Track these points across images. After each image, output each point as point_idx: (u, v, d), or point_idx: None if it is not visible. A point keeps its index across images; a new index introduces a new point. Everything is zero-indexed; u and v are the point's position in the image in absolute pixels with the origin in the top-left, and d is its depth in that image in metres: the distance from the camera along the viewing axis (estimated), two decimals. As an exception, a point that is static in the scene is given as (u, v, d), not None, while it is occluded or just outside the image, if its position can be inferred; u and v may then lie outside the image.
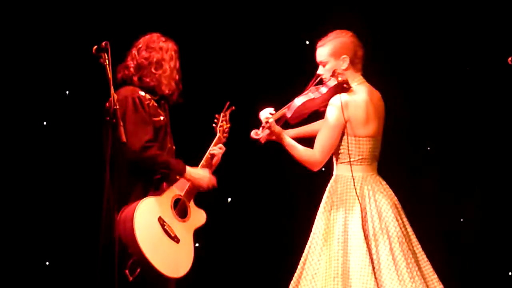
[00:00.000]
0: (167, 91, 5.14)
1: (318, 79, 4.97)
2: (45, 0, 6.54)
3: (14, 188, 6.56)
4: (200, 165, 5.15)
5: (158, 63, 5.11)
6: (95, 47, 4.44)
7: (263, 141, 5.01)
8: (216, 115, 5.29)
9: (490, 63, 6.45)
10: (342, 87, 4.86)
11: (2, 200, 6.52)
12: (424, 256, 4.88)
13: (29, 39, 6.55)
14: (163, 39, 5.18)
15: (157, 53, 5.12)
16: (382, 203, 4.84)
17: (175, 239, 5.01)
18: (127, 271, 4.83)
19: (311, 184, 6.78)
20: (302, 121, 5.12)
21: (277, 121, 4.96)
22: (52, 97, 6.64)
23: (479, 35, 6.48)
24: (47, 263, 6.69)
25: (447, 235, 6.51)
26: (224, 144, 5.23)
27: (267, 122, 4.91)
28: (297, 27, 6.76)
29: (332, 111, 4.84)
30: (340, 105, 4.82)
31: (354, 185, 4.83)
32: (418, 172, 6.56)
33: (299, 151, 4.91)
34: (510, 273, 6.57)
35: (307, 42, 6.81)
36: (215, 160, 5.19)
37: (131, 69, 5.10)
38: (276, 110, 5.01)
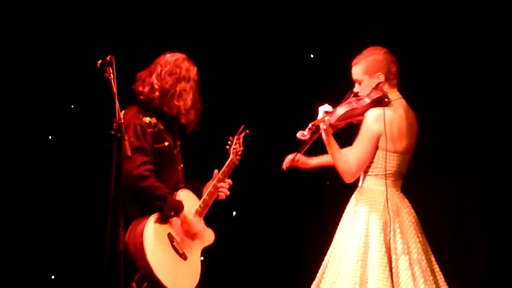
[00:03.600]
0: (184, 121, 5.12)
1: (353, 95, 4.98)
2: (50, 15, 6.56)
3: (20, 202, 6.56)
4: (201, 200, 5.14)
5: (180, 95, 5.06)
6: (100, 61, 4.43)
7: (308, 144, 4.95)
8: (230, 137, 5.29)
9: (496, 64, 6.44)
10: (383, 101, 4.88)
11: (8, 214, 6.52)
12: (442, 276, 4.91)
13: (34, 53, 6.56)
14: (187, 64, 5.14)
15: (181, 82, 5.08)
16: (405, 219, 4.87)
17: (183, 256, 5.01)
18: (133, 284, 4.83)
19: (316, 198, 6.82)
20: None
21: (316, 128, 4.92)
22: (57, 111, 6.66)
23: (482, 40, 6.47)
24: (53, 277, 6.69)
25: (453, 248, 6.49)
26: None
27: (314, 124, 4.84)
28: (310, 47, 6.78)
29: (370, 123, 4.85)
30: (378, 117, 4.83)
31: (387, 198, 4.84)
32: (424, 183, 6.55)
33: (341, 157, 4.89)
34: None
35: (312, 56, 6.84)
36: (221, 197, 5.18)
37: (157, 93, 5.05)
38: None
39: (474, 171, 6.49)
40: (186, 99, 5.09)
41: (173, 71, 5.10)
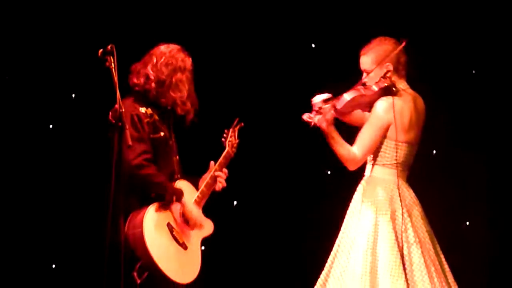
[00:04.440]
0: (180, 112, 5.12)
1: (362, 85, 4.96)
2: (51, 4, 6.55)
3: (20, 191, 6.56)
4: (199, 191, 5.15)
5: (176, 86, 5.06)
6: (101, 50, 4.43)
7: (311, 125, 4.92)
8: (225, 130, 5.32)
9: (496, 66, 6.45)
10: (391, 90, 4.86)
11: (8, 203, 6.53)
12: (447, 266, 4.93)
13: (35, 42, 6.55)
14: (182, 55, 5.13)
15: (176, 73, 5.07)
16: (413, 209, 4.89)
17: (183, 245, 5.01)
18: (135, 274, 4.84)
19: (317, 187, 6.82)
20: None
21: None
22: (58, 100, 6.65)
23: (484, 38, 6.47)
24: (53, 266, 6.70)
25: (452, 239, 6.49)
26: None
27: (320, 107, 4.83)
28: (306, 39, 6.76)
29: (380, 112, 4.84)
30: (388, 107, 4.82)
31: (398, 186, 4.84)
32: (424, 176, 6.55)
33: (342, 146, 4.87)
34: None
35: (313, 45, 6.83)
36: (218, 187, 5.19)
37: (152, 84, 5.04)
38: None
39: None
40: (182, 90, 5.09)
41: (169, 62, 5.09)
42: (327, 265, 4.95)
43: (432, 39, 6.48)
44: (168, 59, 5.09)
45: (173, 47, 5.16)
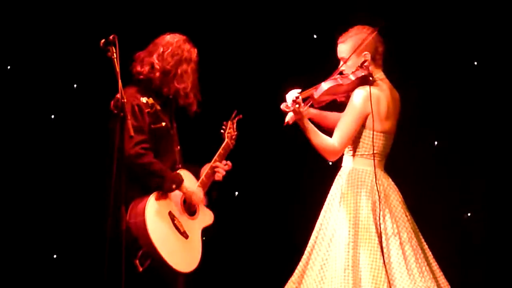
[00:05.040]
0: (182, 103, 5.14)
1: (339, 73, 4.93)
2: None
3: (22, 181, 6.57)
4: (199, 181, 5.17)
5: (181, 77, 5.07)
6: (103, 40, 4.43)
7: (291, 122, 4.90)
8: (224, 122, 5.34)
9: (497, 58, 6.44)
10: (368, 80, 4.85)
11: (10, 193, 6.53)
12: (431, 253, 4.90)
13: (37, 32, 6.56)
14: (188, 46, 5.14)
15: (182, 64, 5.09)
16: (392, 199, 4.86)
17: (184, 234, 5.03)
18: (137, 261, 4.85)
19: (316, 178, 6.81)
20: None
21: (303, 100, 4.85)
22: (60, 90, 6.66)
23: (485, 29, 6.46)
24: (55, 256, 6.71)
25: (451, 230, 6.50)
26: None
27: (294, 101, 4.77)
28: (307, 32, 6.76)
29: (357, 102, 4.82)
30: (366, 96, 4.80)
31: (376, 178, 4.82)
32: (424, 167, 6.56)
33: (319, 137, 4.84)
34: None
35: (315, 36, 6.82)
36: (218, 177, 5.21)
37: (157, 73, 5.05)
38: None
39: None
40: (186, 81, 5.10)
41: (175, 52, 5.10)
42: (304, 256, 4.91)
43: (433, 31, 6.48)
44: (174, 49, 5.10)
45: (179, 37, 5.16)
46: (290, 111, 4.81)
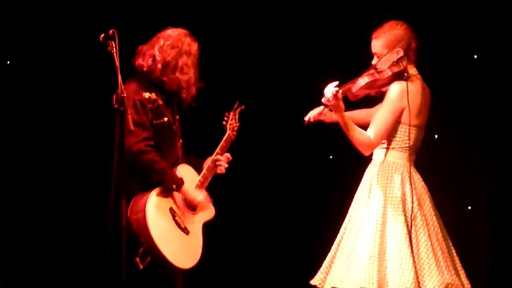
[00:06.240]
0: (184, 96, 5.15)
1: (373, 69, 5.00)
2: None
3: (23, 176, 6.57)
4: (201, 175, 5.17)
5: (182, 69, 5.10)
6: (103, 35, 4.44)
7: (313, 120, 5.03)
8: (226, 113, 5.34)
9: (498, 51, 6.44)
10: (403, 75, 4.93)
11: (11, 188, 6.53)
12: (455, 251, 4.99)
13: (37, 27, 6.55)
14: (188, 39, 5.17)
15: (182, 56, 5.11)
16: (421, 192, 4.95)
17: (185, 230, 5.03)
18: (137, 259, 4.85)
19: (321, 172, 6.82)
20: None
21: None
22: (60, 85, 6.65)
23: (487, 23, 6.46)
24: (55, 251, 6.71)
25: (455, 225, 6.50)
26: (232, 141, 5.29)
27: (335, 95, 4.79)
28: (309, 28, 6.75)
29: (395, 96, 4.90)
30: (403, 91, 4.88)
31: (410, 171, 4.90)
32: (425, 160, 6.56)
33: (357, 131, 4.89)
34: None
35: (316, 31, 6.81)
36: (220, 171, 5.20)
37: (158, 65, 5.08)
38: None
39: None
40: (188, 73, 5.12)
41: (175, 45, 5.13)
42: (333, 247, 5.00)
43: (434, 23, 6.47)
44: (174, 41, 5.13)
45: (181, 31, 5.20)
46: (330, 105, 4.85)
